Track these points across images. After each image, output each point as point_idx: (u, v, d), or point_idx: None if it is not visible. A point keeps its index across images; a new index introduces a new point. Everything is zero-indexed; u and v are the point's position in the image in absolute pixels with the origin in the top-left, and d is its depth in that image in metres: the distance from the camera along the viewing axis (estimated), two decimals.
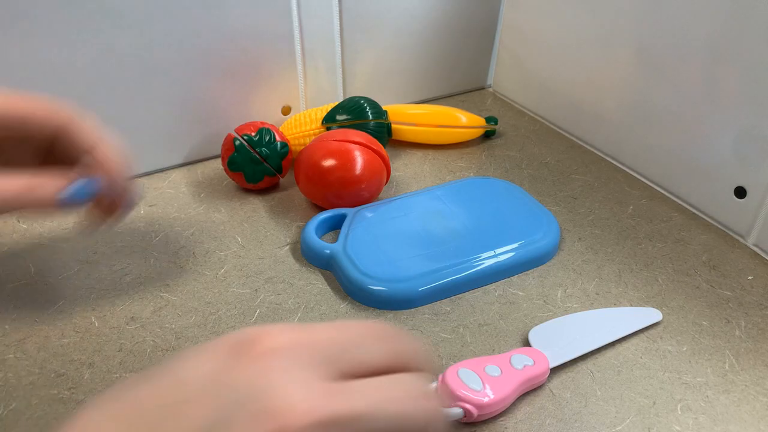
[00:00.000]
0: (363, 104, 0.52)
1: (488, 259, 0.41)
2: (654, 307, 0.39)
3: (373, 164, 0.46)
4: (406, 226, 0.44)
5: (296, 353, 0.20)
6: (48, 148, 0.32)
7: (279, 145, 0.48)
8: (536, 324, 0.38)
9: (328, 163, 0.45)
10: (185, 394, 0.19)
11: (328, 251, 0.41)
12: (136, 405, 0.19)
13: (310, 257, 0.43)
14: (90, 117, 0.32)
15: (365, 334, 0.22)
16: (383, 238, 0.42)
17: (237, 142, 0.47)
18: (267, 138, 0.48)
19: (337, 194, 0.46)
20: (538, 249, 0.42)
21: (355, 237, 0.42)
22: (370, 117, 0.52)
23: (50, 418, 0.32)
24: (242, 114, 0.55)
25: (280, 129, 0.55)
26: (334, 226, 0.45)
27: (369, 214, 0.45)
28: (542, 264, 0.43)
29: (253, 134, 0.48)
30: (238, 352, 0.20)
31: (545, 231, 0.43)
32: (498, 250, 0.41)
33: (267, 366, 0.19)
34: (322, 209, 0.47)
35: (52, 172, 0.31)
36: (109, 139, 0.32)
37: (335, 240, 0.43)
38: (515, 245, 0.42)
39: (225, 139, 0.49)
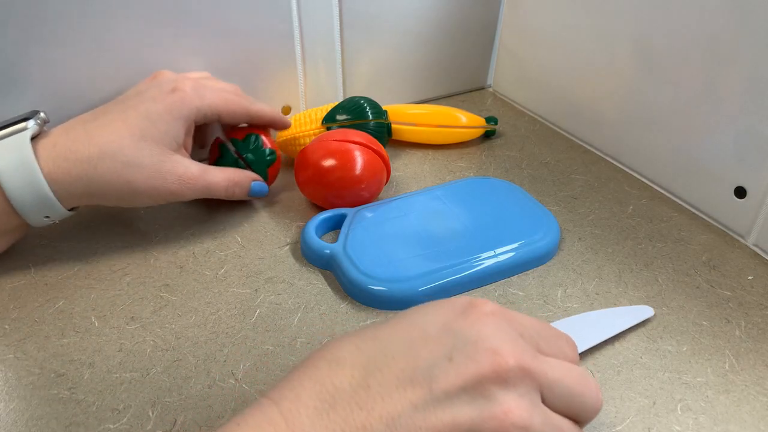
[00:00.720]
0: (363, 104, 0.52)
1: (488, 259, 0.41)
2: (653, 308, 0.39)
3: (374, 164, 0.46)
4: (406, 226, 0.44)
5: (508, 321, 0.26)
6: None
7: (267, 152, 0.47)
8: None
9: (328, 163, 0.45)
10: (424, 334, 0.25)
11: (328, 251, 0.41)
12: (379, 338, 0.25)
13: (310, 257, 0.43)
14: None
15: (552, 331, 0.28)
16: (383, 238, 0.42)
17: (222, 147, 0.47)
18: (254, 143, 0.47)
19: (338, 194, 0.46)
20: (538, 249, 0.42)
21: (355, 237, 0.42)
22: (370, 117, 0.52)
23: (50, 418, 0.32)
24: None
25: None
26: (334, 226, 0.45)
27: (369, 214, 0.45)
28: (542, 264, 0.43)
29: (241, 139, 0.47)
30: (464, 311, 0.26)
31: (545, 231, 0.43)
32: (498, 250, 0.41)
33: (487, 324, 0.25)
34: (322, 209, 0.47)
35: (238, 171, 0.45)
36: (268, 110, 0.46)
37: (335, 240, 0.43)
38: (515, 245, 0.42)
39: (212, 142, 0.48)
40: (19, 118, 0.38)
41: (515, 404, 0.23)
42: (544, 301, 0.40)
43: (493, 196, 0.47)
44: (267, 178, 0.48)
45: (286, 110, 0.57)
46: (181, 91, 0.39)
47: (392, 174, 0.53)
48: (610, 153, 0.56)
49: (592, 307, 0.39)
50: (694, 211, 0.49)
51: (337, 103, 0.53)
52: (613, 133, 0.54)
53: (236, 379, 0.34)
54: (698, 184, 0.48)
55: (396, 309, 0.39)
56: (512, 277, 0.42)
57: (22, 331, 0.37)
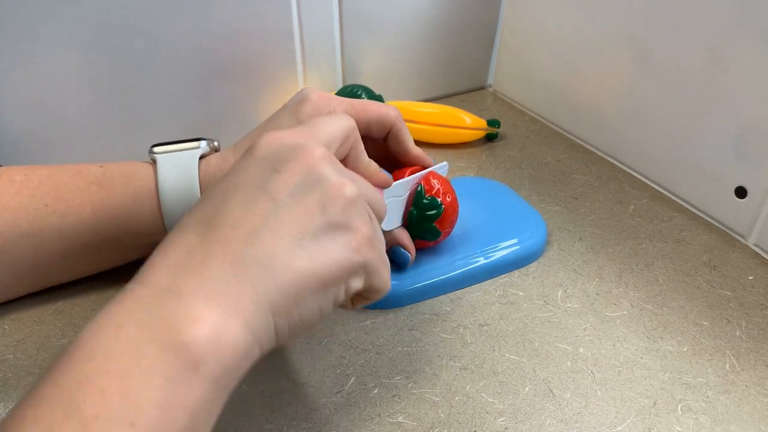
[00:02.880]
0: (358, 92, 0.54)
1: (475, 259, 0.41)
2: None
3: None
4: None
5: (291, 134, 0.29)
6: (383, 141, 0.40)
7: (428, 203, 0.39)
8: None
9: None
10: (241, 175, 0.27)
11: None
12: (203, 200, 0.27)
13: None
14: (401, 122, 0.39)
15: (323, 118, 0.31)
16: None
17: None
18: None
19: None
20: (525, 249, 0.42)
21: None
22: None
23: None
24: (242, 114, 0.55)
25: None
26: None
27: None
28: (529, 263, 0.43)
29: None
30: (260, 157, 0.28)
31: (533, 231, 0.43)
32: (484, 250, 0.41)
33: (282, 139, 0.28)
34: None
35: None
36: (414, 147, 0.39)
37: None
38: (502, 245, 0.42)
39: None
40: (193, 138, 0.38)
41: (339, 179, 0.27)
42: (545, 301, 0.40)
43: (481, 196, 0.47)
44: (436, 233, 0.39)
45: None
46: (309, 101, 0.37)
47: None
48: (611, 153, 0.55)
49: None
50: (694, 211, 0.49)
51: (333, 93, 0.54)
52: (614, 132, 0.54)
53: None
54: (699, 184, 0.48)
55: (384, 308, 0.39)
56: (513, 278, 0.42)
57: (21, 331, 0.37)
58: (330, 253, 0.26)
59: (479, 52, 0.67)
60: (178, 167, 0.36)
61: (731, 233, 0.46)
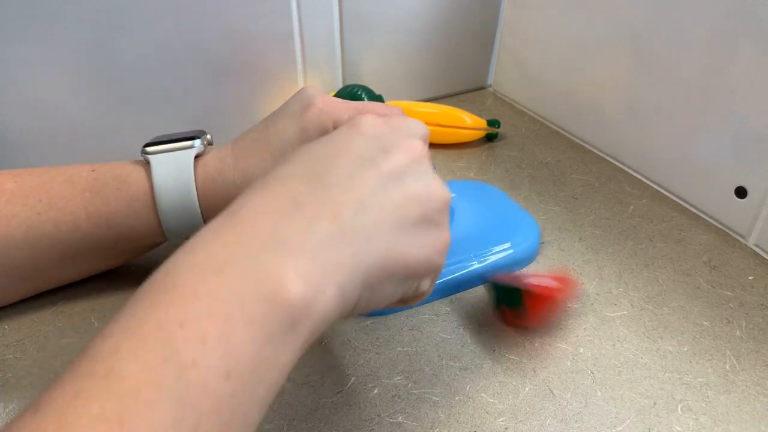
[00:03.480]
0: (357, 92, 0.53)
1: (468, 264, 0.40)
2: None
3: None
4: None
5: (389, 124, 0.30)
6: None
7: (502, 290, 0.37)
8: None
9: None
10: (352, 145, 0.27)
11: None
12: (313, 155, 0.27)
13: None
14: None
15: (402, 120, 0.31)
16: None
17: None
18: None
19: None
20: (518, 253, 0.42)
21: None
22: (365, 100, 0.53)
23: None
24: (242, 114, 0.55)
25: None
26: None
27: None
28: (522, 267, 0.42)
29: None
30: (364, 127, 0.29)
31: (525, 234, 0.43)
32: (477, 254, 0.41)
33: (385, 126, 0.29)
34: None
35: None
36: None
37: None
38: (495, 249, 0.41)
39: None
40: (186, 136, 0.37)
41: (437, 179, 0.28)
42: None
43: (474, 200, 0.47)
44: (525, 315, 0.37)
45: None
46: (314, 107, 0.36)
47: None
48: (611, 153, 0.55)
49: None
50: (694, 211, 0.49)
51: (332, 93, 0.54)
52: (614, 132, 0.54)
53: None
54: (699, 184, 0.48)
55: (372, 314, 0.38)
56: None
57: (21, 331, 0.37)
58: (423, 247, 0.26)
59: (479, 52, 0.67)
60: (173, 170, 0.36)
61: (731, 233, 0.46)
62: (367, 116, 0.29)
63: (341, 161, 0.26)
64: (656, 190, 0.51)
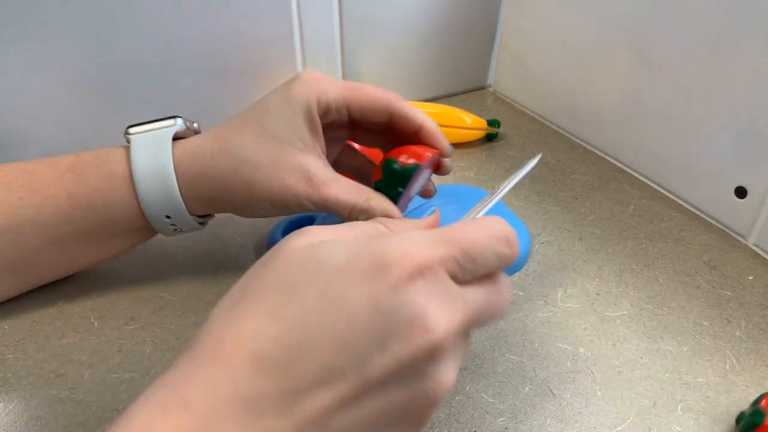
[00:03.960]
0: None
1: None
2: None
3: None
4: None
5: (433, 270, 0.23)
6: (386, 127, 0.37)
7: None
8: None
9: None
10: (351, 319, 0.21)
11: None
12: (303, 326, 0.21)
13: None
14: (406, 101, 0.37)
15: (486, 238, 0.25)
16: None
17: (387, 164, 0.35)
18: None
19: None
20: None
21: None
22: None
23: (50, 418, 0.32)
24: None
25: None
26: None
27: (336, 219, 0.44)
28: (512, 274, 0.42)
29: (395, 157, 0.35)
30: (386, 275, 0.22)
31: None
32: None
33: (416, 287, 0.22)
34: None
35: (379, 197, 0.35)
36: (429, 121, 0.37)
37: None
38: None
39: (380, 160, 0.36)
40: (169, 117, 0.37)
41: (445, 377, 0.22)
42: (545, 302, 0.40)
43: (467, 204, 0.46)
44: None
45: None
46: (299, 79, 0.35)
47: None
48: (611, 153, 0.55)
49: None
50: (694, 211, 0.49)
51: None
52: (614, 132, 0.54)
53: None
54: (699, 184, 0.48)
55: None
56: (513, 278, 0.42)
57: (21, 331, 0.37)
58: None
59: (479, 52, 0.67)
60: (151, 147, 0.35)
61: (731, 233, 0.46)
62: (400, 268, 0.22)
63: (325, 353, 0.21)
64: (656, 190, 0.51)
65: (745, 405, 0.33)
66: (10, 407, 0.32)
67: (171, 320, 0.38)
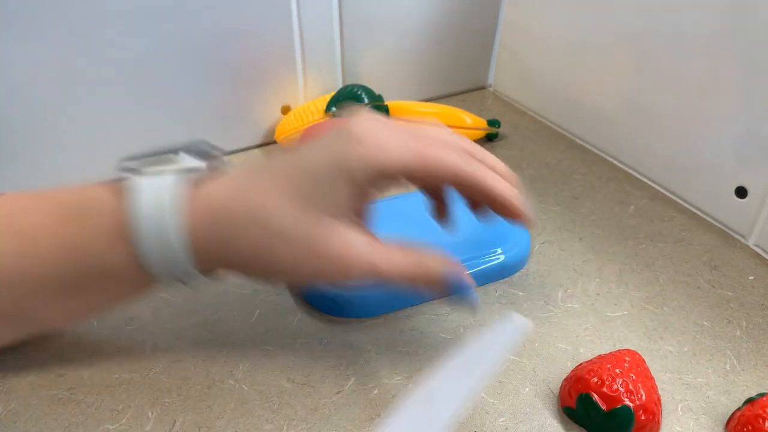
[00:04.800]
0: (357, 91, 0.53)
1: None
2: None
3: None
4: (373, 231, 0.43)
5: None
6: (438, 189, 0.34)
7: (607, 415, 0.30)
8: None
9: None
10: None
11: None
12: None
13: None
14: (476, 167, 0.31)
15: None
16: None
17: None
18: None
19: None
20: (508, 259, 0.41)
21: None
22: (366, 101, 0.53)
23: (50, 418, 0.32)
24: (242, 114, 0.55)
25: (278, 126, 0.55)
26: None
27: None
28: (513, 274, 0.42)
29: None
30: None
31: (516, 241, 0.42)
32: (467, 259, 0.40)
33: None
34: None
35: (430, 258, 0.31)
36: (508, 188, 0.32)
37: None
38: (485, 255, 0.41)
39: None
40: (180, 148, 0.31)
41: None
42: (545, 302, 0.40)
43: (465, 204, 0.46)
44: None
45: (286, 110, 0.57)
46: (356, 140, 0.28)
47: None
48: (611, 153, 0.55)
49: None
50: (694, 211, 0.49)
51: (332, 94, 0.54)
52: (614, 132, 0.54)
53: (236, 380, 0.34)
54: (699, 183, 0.48)
55: (358, 316, 0.38)
56: (513, 278, 0.42)
57: None
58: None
59: (479, 52, 0.67)
60: (155, 200, 0.28)
61: (731, 233, 0.46)
62: None
63: None
64: (656, 190, 0.51)
65: None
66: (11, 407, 0.32)
67: (171, 320, 0.38)
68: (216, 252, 0.30)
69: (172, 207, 0.28)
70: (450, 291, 0.31)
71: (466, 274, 0.31)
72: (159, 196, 0.28)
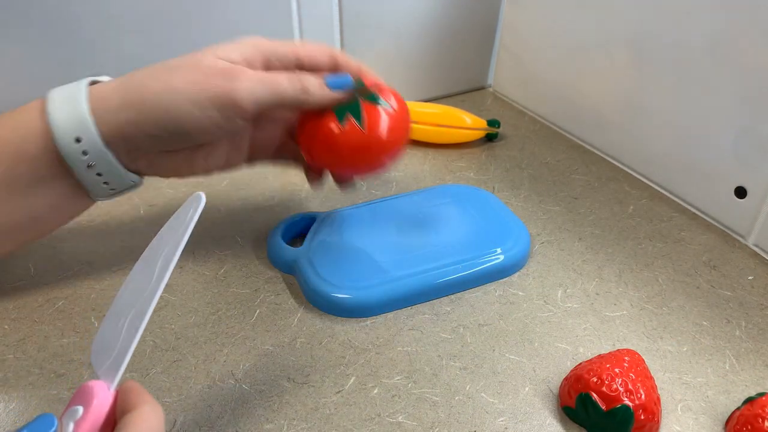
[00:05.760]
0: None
1: (453, 268, 0.40)
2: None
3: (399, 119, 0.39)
4: (374, 232, 0.43)
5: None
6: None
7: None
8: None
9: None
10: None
11: (292, 255, 0.41)
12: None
13: (275, 262, 0.42)
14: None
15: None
16: (348, 244, 0.42)
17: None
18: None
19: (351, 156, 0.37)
20: (506, 259, 0.41)
21: (319, 242, 0.42)
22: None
23: None
24: None
25: None
26: (303, 230, 0.44)
27: (337, 219, 0.44)
28: (512, 274, 0.42)
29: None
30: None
31: (514, 241, 0.42)
32: (465, 259, 0.41)
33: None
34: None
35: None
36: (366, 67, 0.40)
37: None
38: (484, 254, 0.41)
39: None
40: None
41: None
42: (545, 301, 0.40)
43: (465, 204, 0.46)
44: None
45: None
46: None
47: (392, 174, 0.53)
48: (611, 153, 0.55)
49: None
50: (694, 211, 0.49)
51: None
52: (614, 133, 0.54)
53: (236, 380, 0.34)
54: (698, 184, 0.48)
55: (358, 316, 0.38)
56: (513, 278, 0.42)
57: (21, 331, 0.37)
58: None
59: (479, 52, 0.67)
60: (68, 97, 0.33)
61: (731, 233, 0.46)
62: None
63: None
64: (656, 190, 0.51)
65: None
66: (11, 407, 0.32)
67: (171, 320, 0.38)
68: (113, 100, 0.33)
69: (82, 89, 0.33)
70: (331, 86, 0.38)
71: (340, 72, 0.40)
72: (70, 88, 0.34)
